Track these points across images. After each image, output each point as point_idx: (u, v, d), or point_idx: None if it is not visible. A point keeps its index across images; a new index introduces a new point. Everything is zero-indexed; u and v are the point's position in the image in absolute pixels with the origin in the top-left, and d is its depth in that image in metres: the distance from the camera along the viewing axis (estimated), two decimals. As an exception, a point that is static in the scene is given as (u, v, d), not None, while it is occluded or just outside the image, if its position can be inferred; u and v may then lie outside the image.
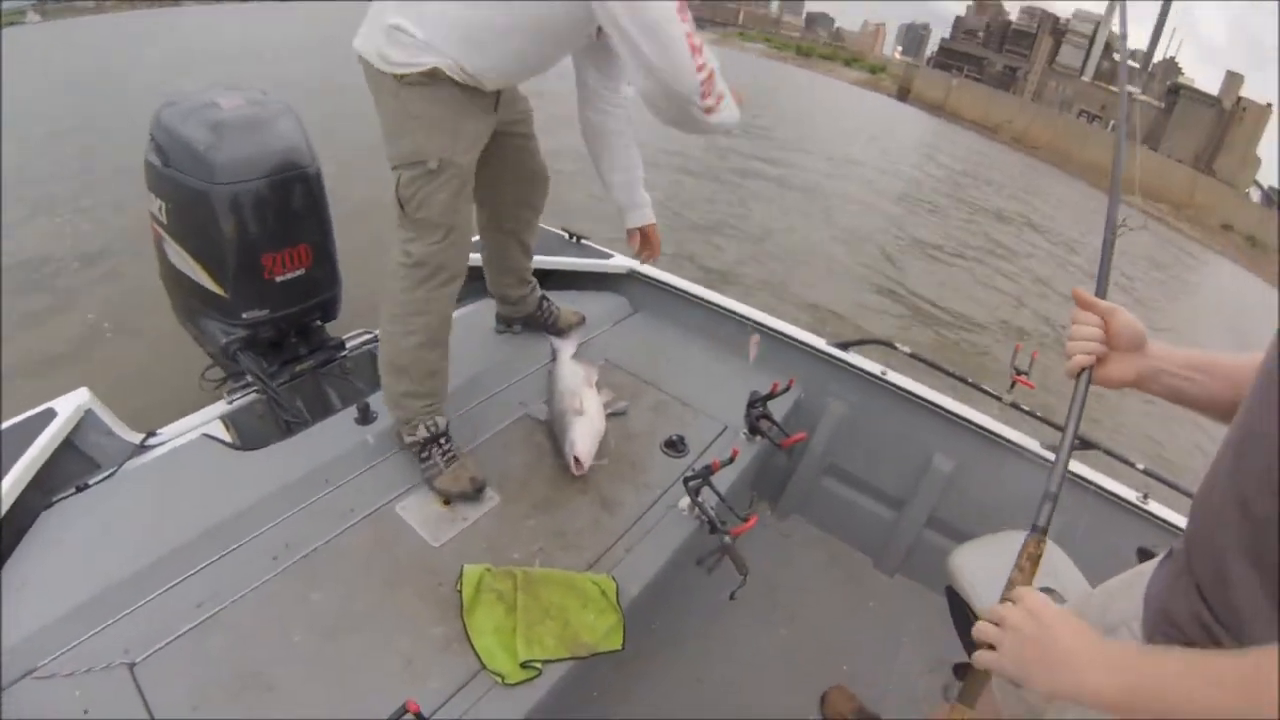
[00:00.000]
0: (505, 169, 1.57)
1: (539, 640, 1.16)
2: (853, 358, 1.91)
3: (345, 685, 1.08)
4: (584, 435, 1.55)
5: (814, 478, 2.07)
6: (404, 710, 0.89)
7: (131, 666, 1.04)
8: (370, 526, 1.36)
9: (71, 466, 1.39)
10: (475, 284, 1.77)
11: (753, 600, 1.85)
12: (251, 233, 1.60)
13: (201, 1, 29.43)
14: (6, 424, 1.33)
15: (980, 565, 1.32)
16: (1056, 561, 1.38)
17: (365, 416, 1.57)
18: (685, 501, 1.47)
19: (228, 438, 1.56)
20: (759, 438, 1.70)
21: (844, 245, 7.34)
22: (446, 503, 1.44)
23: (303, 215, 1.69)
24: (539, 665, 1.13)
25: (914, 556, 1.95)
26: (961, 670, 1.63)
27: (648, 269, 2.21)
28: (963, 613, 1.35)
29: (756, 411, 1.70)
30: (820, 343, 1.95)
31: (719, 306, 2.11)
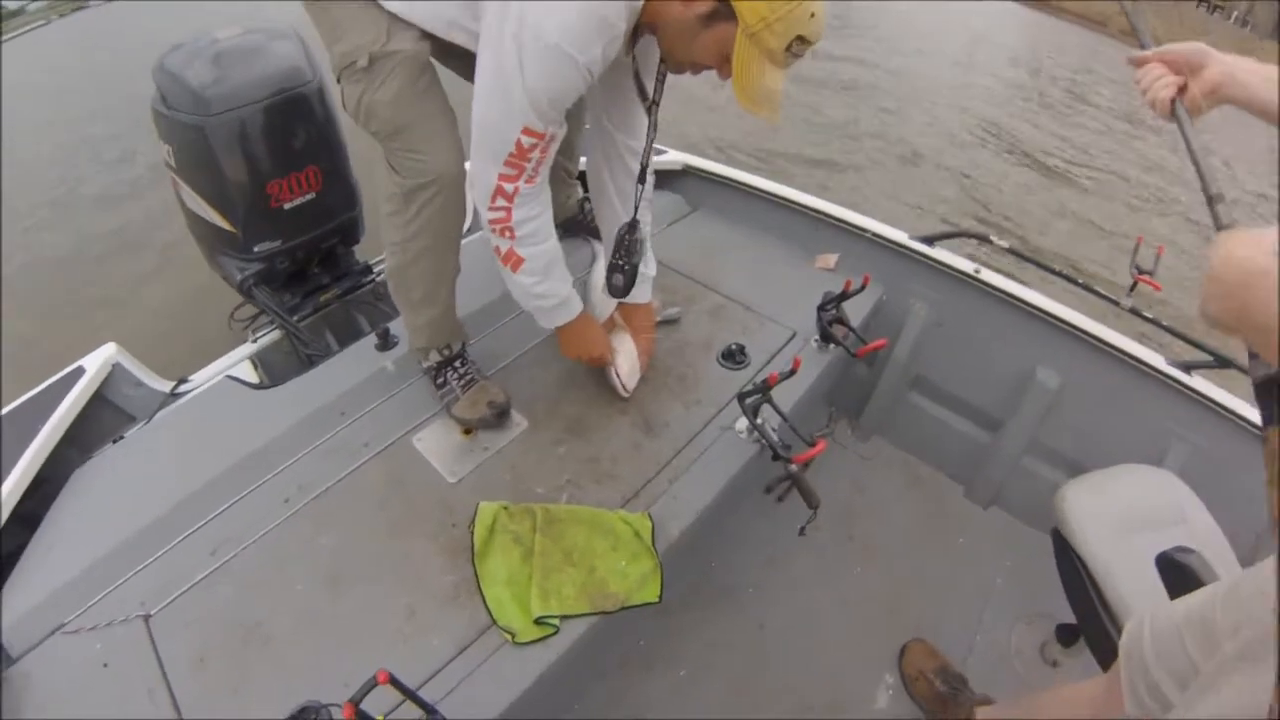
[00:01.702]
0: None
1: (556, 591, 0.98)
2: (940, 253, 1.60)
3: (339, 639, 0.97)
4: (627, 350, 1.32)
5: (897, 392, 1.76)
6: (373, 683, 0.72)
7: (147, 619, 1.00)
8: (384, 463, 1.22)
9: (107, 421, 1.38)
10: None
11: (824, 534, 1.60)
12: (253, 161, 1.48)
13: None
14: (39, 388, 1.33)
15: (1095, 508, 1.10)
16: (1189, 510, 1.10)
17: (386, 342, 1.42)
18: (743, 422, 1.22)
19: (254, 378, 1.49)
20: (832, 346, 1.42)
21: (934, 146, 6.28)
22: (468, 432, 1.27)
23: (306, 136, 1.54)
24: (556, 622, 0.94)
25: (1011, 487, 1.66)
26: (1067, 632, 1.31)
27: (705, 163, 1.94)
28: (1071, 564, 1.09)
29: (829, 314, 1.41)
30: (902, 236, 1.64)
31: (787, 200, 1.79)
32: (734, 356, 1.42)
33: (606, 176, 1.30)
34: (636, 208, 1.24)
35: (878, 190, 5.21)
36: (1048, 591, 1.19)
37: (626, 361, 1.31)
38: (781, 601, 1.49)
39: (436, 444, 1.25)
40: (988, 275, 1.55)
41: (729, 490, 1.18)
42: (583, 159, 1.60)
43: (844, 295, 1.41)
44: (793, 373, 1.16)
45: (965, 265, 1.57)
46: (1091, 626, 1.06)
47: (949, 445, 1.75)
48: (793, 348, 1.45)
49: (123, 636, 0.98)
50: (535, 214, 1.08)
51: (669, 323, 1.51)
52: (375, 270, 1.80)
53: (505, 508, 1.08)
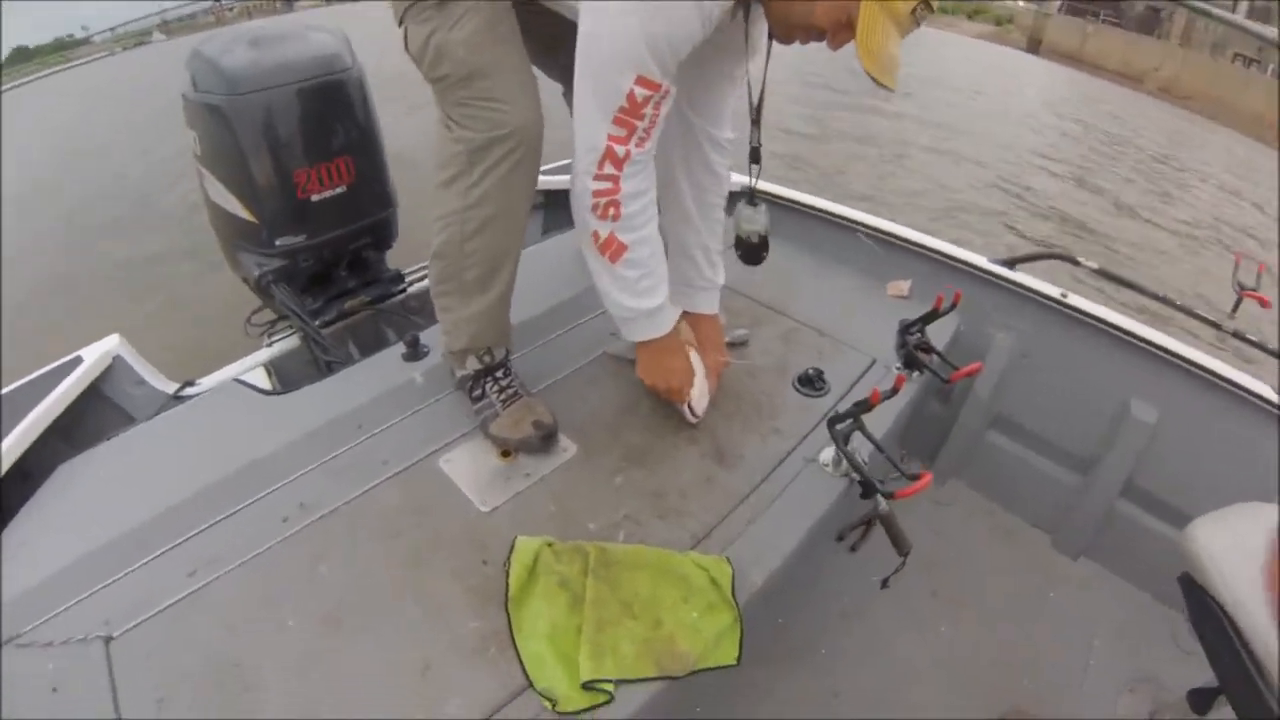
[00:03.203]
0: None
1: (613, 649, 0.76)
2: (1023, 277, 1.47)
3: (335, 694, 0.76)
4: (695, 371, 1.14)
5: (977, 431, 1.58)
6: None
7: (108, 641, 0.84)
8: (404, 484, 1.03)
9: (105, 418, 1.26)
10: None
11: (906, 589, 1.38)
12: (280, 146, 1.37)
13: (314, 5, 31.69)
14: (35, 374, 1.22)
15: (1234, 547, 0.94)
16: None
17: (416, 351, 1.26)
18: (828, 453, 1.04)
19: (266, 385, 1.34)
20: (916, 373, 1.25)
21: (984, 190, 6.30)
22: (506, 454, 1.07)
23: (341, 126, 1.44)
24: (610, 688, 0.73)
25: (1105, 534, 1.48)
26: (1203, 697, 1.11)
27: (769, 185, 1.78)
28: (1208, 614, 0.91)
29: (913, 338, 1.24)
30: (981, 260, 1.51)
31: (854, 223, 1.65)
32: (812, 382, 1.24)
33: (681, 172, 1.14)
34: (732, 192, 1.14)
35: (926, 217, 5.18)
36: (1152, 653, 1.05)
37: (696, 384, 1.12)
38: (860, 664, 1.25)
39: (468, 467, 1.06)
40: (1077, 300, 1.40)
41: (816, 531, 0.98)
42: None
43: (932, 315, 1.23)
44: (895, 391, 0.97)
45: (1051, 290, 1.42)
46: (1238, 688, 0.87)
47: (1033, 489, 1.56)
48: (874, 376, 1.27)
49: (78, 658, 0.82)
50: (644, 189, 0.93)
51: (737, 345, 1.34)
52: (408, 279, 1.67)
53: (550, 544, 0.88)
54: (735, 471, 1.05)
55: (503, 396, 1.09)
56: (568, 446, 1.09)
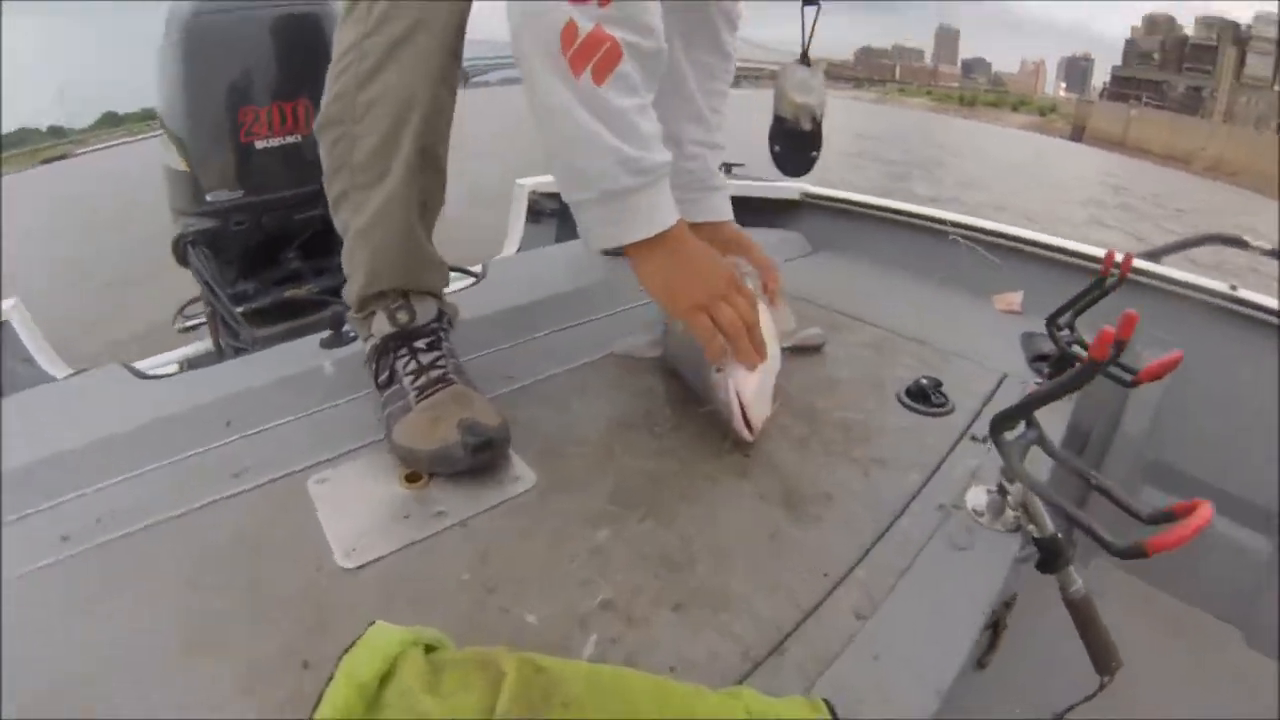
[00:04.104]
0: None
1: None
2: (1174, 271, 1.11)
3: None
4: (748, 374, 0.67)
5: (1125, 486, 1.08)
6: None
7: None
8: (249, 508, 0.62)
9: None
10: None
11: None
12: (224, 74, 1.12)
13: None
14: None
15: None
16: None
17: (340, 336, 0.90)
18: (978, 495, 0.62)
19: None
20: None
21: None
22: (414, 479, 0.64)
23: (304, 65, 1.17)
24: None
25: None
26: None
27: (828, 190, 1.50)
28: None
29: (1065, 333, 0.83)
30: (1114, 255, 1.07)
31: (942, 223, 1.30)
32: (928, 396, 0.78)
33: (680, 48, 0.86)
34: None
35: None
36: None
37: (753, 379, 0.66)
38: None
39: (346, 492, 0.63)
40: (1249, 294, 1.04)
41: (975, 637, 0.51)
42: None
43: (1093, 295, 0.81)
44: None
45: (1215, 284, 1.08)
46: None
47: (1211, 563, 1.13)
48: (1008, 394, 0.84)
49: None
50: None
51: (808, 349, 0.90)
52: None
53: (431, 647, 0.42)
54: (819, 527, 0.58)
55: (419, 382, 0.67)
56: (520, 474, 0.64)
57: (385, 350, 0.69)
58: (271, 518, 0.60)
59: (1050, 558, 0.56)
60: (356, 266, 0.71)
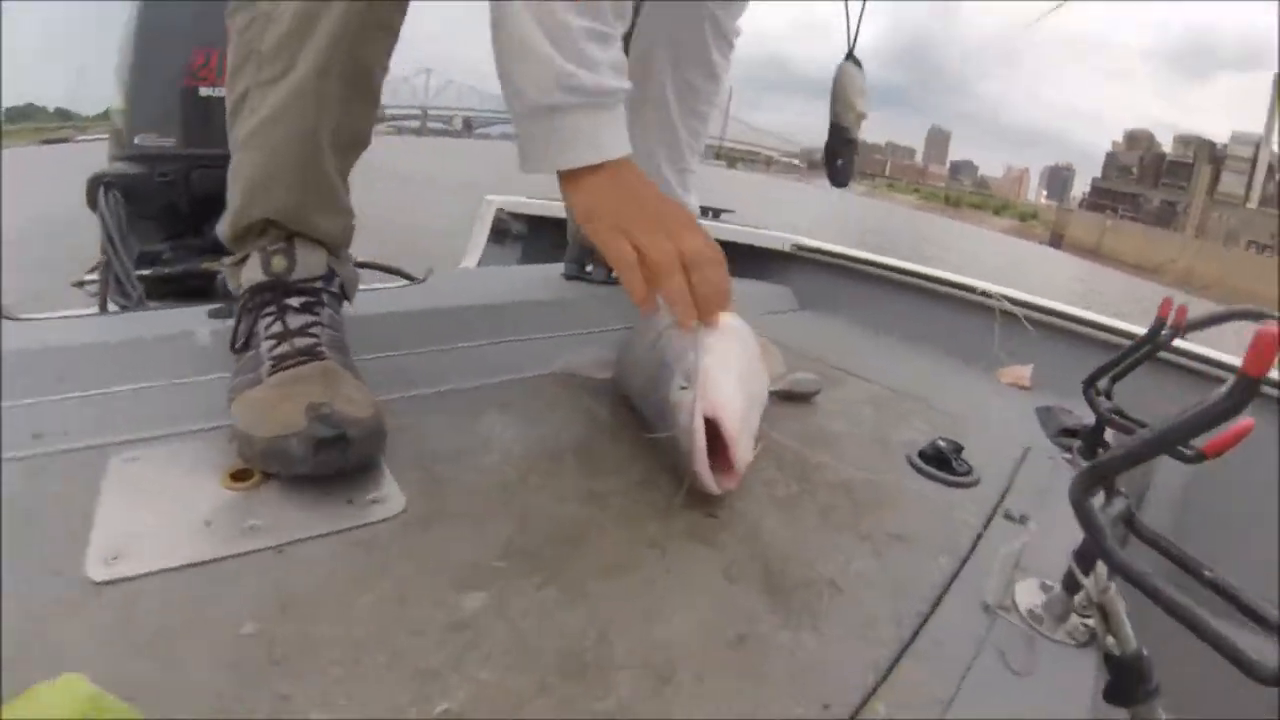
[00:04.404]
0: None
1: None
2: (1200, 348, 1.01)
3: None
4: (730, 392, 0.50)
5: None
6: None
7: None
8: (28, 477, 0.45)
9: None
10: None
11: None
12: (189, 16, 1.05)
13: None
14: None
15: None
16: None
17: (232, 306, 0.72)
18: (1031, 591, 0.45)
19: None
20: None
21: None
22: (242, 476, 0.46)
23: None
24: None
25: None
26: None
27: (821, 243, 1.43)
28: None
29: (1103, 400, 0.70)
30: (1136, 329, 1.07)
31: (941, 283, 1.20)
32: (947, 461, 0.62)
33: (664, 62, 0.83)
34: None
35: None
36: None
37: (736, 402, 0.49)
38: None
39: (149, 480, 0.45)
40: None
41: None
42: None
43: (1143, 351, 0.69)
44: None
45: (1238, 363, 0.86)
46: None
47: (1250, 690, 0.86)
48: (1036, 471, 0.68)
49: None
50: None
51: (802, 396, 0.74)
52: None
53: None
54: (817, 631, 0.39)
55: (279, 349, 0.50)
56: (384, 495, 0.46)
57: (250, 306, 0.53)
58: (45, 492, 0.43)
59: (1128, 684, 0.39)
60: (236, 180, 0.56)
